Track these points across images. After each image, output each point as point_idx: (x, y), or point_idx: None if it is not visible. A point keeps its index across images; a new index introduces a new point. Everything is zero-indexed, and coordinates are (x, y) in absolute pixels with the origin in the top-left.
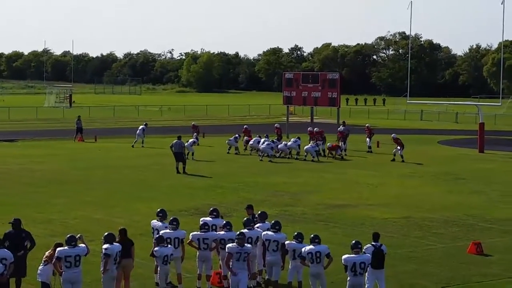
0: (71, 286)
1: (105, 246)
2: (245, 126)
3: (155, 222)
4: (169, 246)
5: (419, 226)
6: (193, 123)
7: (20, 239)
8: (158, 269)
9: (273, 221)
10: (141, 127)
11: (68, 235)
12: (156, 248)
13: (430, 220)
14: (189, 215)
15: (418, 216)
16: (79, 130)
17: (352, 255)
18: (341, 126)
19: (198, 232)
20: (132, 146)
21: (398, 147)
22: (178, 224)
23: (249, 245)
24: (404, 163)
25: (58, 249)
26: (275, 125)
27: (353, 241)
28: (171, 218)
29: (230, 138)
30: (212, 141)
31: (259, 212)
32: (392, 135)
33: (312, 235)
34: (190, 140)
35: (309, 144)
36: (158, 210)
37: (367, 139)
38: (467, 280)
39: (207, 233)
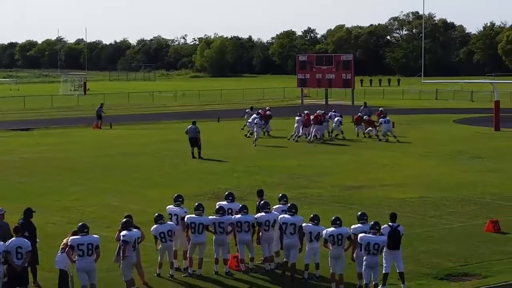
0: (86, 274)
1: (123, 233)
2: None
3: (172, 208)
4: (168, 222)
5: (436, 205)
6: (251, 106)
7: (31, 228)
8: (159, 245)
9: (289, 204)
10: (253, 116)
11: (80, 224)
12: (152, 227)
13: (446, 199)
14: (206, 199)
15: (434, 196)
16: (99, 117)
17: (368, 235)
18: (362, 107)
19: (214, 216)
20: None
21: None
22: (203, 210)
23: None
24: (410, 144)
25: (70, 237)
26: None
27: (372, 222)
28: (197, 204)
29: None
30: (227, 125)
31: (280, 194)
32: (380, 108)
33: (333, 217)
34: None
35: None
36: (176, 195)
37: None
38: (485, 258)
39: (222, 217)
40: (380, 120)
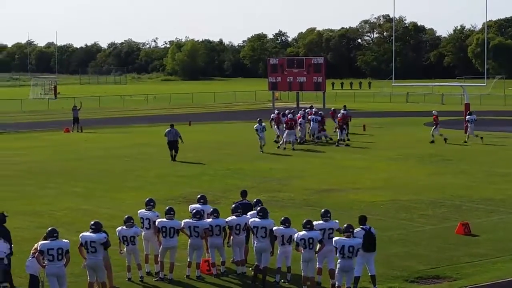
0: (56, 280)
1: (81, 235)
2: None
3: (144, 212)
4: (134, 228)
5: (406, 208)
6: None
7: (6, 234)
8: (124, 249)
9: (259, 208)
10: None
11: (49, 228)
12: (118, 228)
13: (417, 202)
14: (177, 203)
15: (405, 198)
16: (76, 120)
17: (343, 238)
18: (341, 111)
19: (190, 220)
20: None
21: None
22: (174, 214)
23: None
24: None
25: (40, 242)
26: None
27: (345, 225)
28: (168, 207)
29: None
30: (199, 128)
31: (255, 200)
32: (332, 108)
33: (304, 221)
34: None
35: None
36: (147, 199)
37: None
38: (456, 260)
39: (198, 221)
40: (309, 117)
